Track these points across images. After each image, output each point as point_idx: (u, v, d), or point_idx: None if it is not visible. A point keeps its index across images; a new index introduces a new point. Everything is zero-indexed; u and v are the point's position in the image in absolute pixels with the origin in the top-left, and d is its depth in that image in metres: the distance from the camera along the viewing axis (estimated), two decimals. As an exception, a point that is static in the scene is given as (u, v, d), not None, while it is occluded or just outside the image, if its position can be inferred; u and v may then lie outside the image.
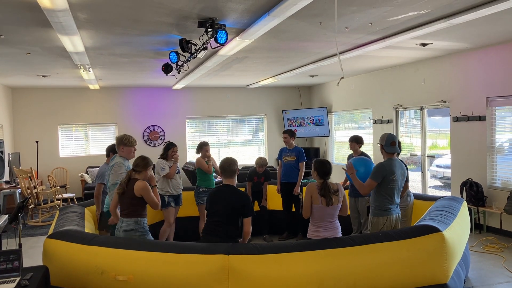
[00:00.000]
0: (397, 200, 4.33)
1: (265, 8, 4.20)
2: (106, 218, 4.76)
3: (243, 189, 6.71)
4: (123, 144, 4.66)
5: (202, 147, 6.34)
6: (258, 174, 6.91)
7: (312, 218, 4.01)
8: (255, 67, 8.14)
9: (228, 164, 3.85)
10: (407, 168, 4.84)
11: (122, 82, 10.15)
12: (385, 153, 4.39)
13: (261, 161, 6.86)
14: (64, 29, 4.47)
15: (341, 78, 6.52)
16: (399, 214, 4.39)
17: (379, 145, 4.50)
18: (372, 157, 5.07)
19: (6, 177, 9.43)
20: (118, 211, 4.24)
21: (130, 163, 4.61)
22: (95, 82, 9.32)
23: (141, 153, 4.59)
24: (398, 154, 4.62)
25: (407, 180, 4.77)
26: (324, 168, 3.97)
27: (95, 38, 5.37)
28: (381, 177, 4.19)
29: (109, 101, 11.33)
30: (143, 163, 4.15)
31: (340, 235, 4.02)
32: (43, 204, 8.69)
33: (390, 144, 4.36)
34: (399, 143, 5.00)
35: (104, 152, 5.55)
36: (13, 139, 10.66)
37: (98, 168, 5.05)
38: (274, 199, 6.96)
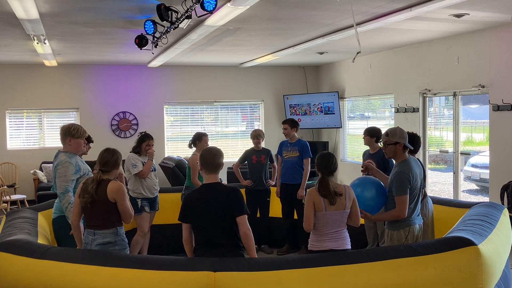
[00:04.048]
0: (419, 206, 4.41)
1: (263, -33, 4.19)
2: (58, 227, 4.69)
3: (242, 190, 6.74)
4: (70, 135, 4.53)
5: (201, 139, 6.27)
6: (257, 152, 6.81)
7: (314, 225, 4.02)
8: (251, 41, 8.13)
9: (212, 156, 3.78)
10: (423, 167, 4.86)
11: (85, 57, 10.10)
12: (402, 153, 4.31)
13: (256, 132, 6.85)
14: (13, -10, 4.45)
15: (358, 53, 6.43)
16: (422, 223, 4.45)
17: (394, 143, 4.27)
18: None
19: None
20: (81, 224, 4.19)
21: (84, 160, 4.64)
22: (52, 57, 9.28)
23: (108, 146, 4.49)
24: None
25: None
26: (322, 161, 4.04)
27: (53, 2, 5.34)
28: (408, 186, 4.20)
29: (69, 81, 11.29)
30: (113, 159, 4.08)
31: (349, 247, 4.06)
32: (-13, 207, 8.68)
33: (409, 141, 4.38)
34: (419, 138, 5.03)
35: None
36: (-51, 127, 10.62)
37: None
38: (272, 204, 6.97)
